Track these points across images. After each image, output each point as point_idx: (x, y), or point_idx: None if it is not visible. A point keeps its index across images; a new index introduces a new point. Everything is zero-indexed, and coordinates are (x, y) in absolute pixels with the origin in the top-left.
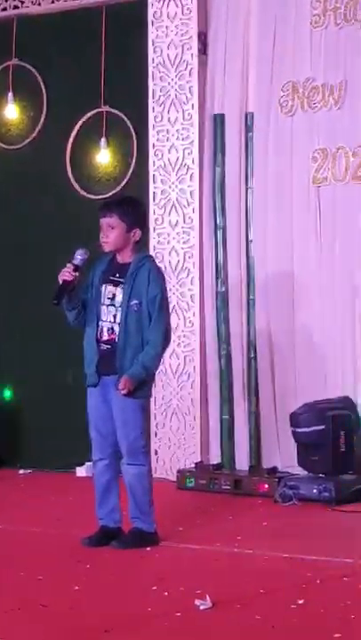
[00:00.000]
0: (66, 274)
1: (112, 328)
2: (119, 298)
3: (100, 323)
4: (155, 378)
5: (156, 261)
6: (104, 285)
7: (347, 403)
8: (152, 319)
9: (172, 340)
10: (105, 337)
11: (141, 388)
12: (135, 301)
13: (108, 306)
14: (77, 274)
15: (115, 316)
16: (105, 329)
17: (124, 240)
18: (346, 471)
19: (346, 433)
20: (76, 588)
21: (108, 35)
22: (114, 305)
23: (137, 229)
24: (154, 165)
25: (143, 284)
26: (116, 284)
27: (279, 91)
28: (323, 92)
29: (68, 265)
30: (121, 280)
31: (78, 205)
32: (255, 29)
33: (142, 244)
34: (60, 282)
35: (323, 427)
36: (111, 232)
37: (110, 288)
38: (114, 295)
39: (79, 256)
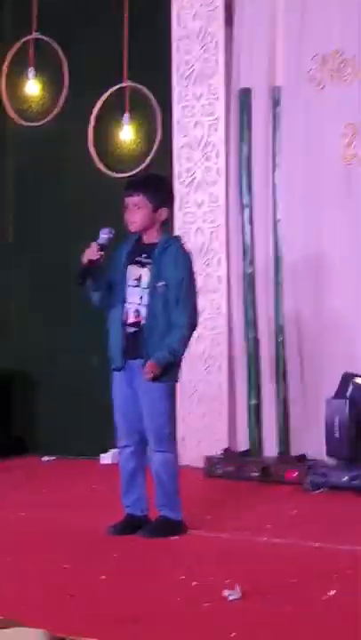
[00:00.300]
0: (90, 254)
1: (138, 310)
2: (145, 279)
3: (125, 305)
4: (181, 362)
5: (184, 241)
6: (130, 266)
7: None
8: (179, 302)
9: (199, 323)
10: (131, 319)
11: (168, 372)
12: (161, 283)
13: (133, 287)
14: (102, 253)
15: (141, 298)
16: (131, 311)
17: (150, 220)
18: None
19: None
20: (103, 577)
21: (131, 7)
22: (140, 286)
23: (164, 209)
24: (178, 142)
25: (170, 265)
26: (142, 265)
27: (308, 63)
28: (353, 64)
29: (93, 244)
30: (147, 261)
31: (101, 183)
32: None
33: (168, 223)
34: (85, 262)
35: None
36: (137, 212)
37: (136, 269)
38: (140, 276)
39: (104, 235)
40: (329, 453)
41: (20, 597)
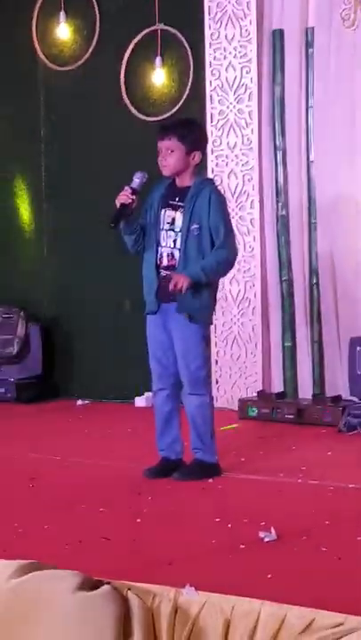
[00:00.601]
0: (123, 197)
1: (172, 253)
2: (179, 222)
3: (159, 248)
4: (215, 304)
5: (217, 184)
6: (163, 210)
7: None
8: (217, 244)
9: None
10: (165, 262)
11: (201, 314)
12: (195, 225)
13: (167, 231)
14: (135, 197)
15: (175, 241)
16: (165, 254)
17: (183, 163)
18: None
19: None
20: (138, 520)
21: None
22: (173, 230)
23: (197, 152)
24: (211, 85)
25: (203, 208)
26: (175, 209)
27: (341, 3)
28: None
29: (126, 188)
30: (180, 204)
31: (134, 127)
32: None
33: (202, 166)
34: (118, 205)
35: None
36: (170, 155)
37: (169, 212)
38: (173, 219)
39: (137, 179)
40: (353, 392)
41: (55, 540)
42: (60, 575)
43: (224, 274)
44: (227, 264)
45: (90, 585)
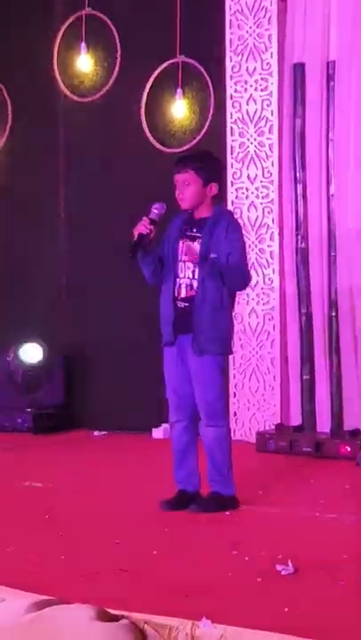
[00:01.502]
0: (141, 227)
1: (191, 285)
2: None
3: (177, 280)
4: (233, 335)
5: (234, 214)
6: (181, 241)
7: None
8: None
9: (251, 298)
10: (183, 294)
11: (220, 344)
12: (213, 255)
13: (185, 262)
14: (154, 227)
15: (193, 272)
16: (183, 286)
17: (200, 196)
18: None
19: None
20: (155, 552)
21: None
22: (192, 261)
23: (213, 184)
24: (232, 117)
25: (221, 237)
26: (193, 239)
27: None
28: None
29: (145, 218)
30: (198, 235)
31: (154, 159)
32: None
33: (220, 198)
34: (136, 235)
35: None
36: (187, 188)
37: (187, 243)
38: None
39: (155, 210)
40: None
41: (71, 572)
42: (78, 608)
43: (237, 282)
44: (242, 279)
45: (107, 618)
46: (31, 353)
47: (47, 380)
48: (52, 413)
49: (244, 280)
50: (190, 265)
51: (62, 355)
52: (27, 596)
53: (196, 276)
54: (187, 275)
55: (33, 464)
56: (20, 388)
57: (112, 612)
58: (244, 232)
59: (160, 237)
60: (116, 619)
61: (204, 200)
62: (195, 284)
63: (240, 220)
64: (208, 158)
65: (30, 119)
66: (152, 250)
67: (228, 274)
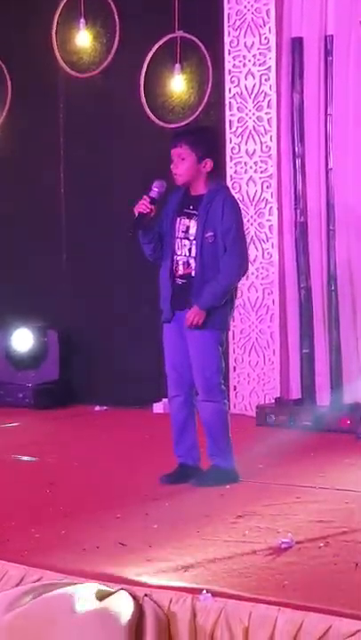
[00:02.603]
0: (142, 206)
1: (187, 262)
2: (193, 230)
3: (175, 257)
4: (233, 311)
5: (232, 191)
6: (178, 218)
7: None
8: (227, 250)
9: (250, 273)
10: (180, 271)
11: (217, 319)
12: (210, 233)
13: (182, 239)
14: (154, 206)
15: (190, 250)
16: (180, 263)
17: (195, 171)
18: None
19: None
20: (155, 526)
21: None
22: (188, 238)
23: (208, 160)
24: (230, 92)
25: (217, 214)
26: (189, 217)
27: (359, 11)
28: None
29: (145, 197)
30: (195, 212)
31: (153, 134)
32: None
33: (218, 174)
34: (136, 214)
35: None
36: (181, 163)
37: (184, 221)
38: (188, 228)
39: (155, 188)
40: None
41: (72, 546)
42: (69, 593)
43: (237, 282)
44: (237, 276)
45: (104, 593)
46: (22, 340)
47: (44, 357)
48: (53, 389)
49: (242, 272)
50: (187, 242)
51: (63, 330)
52: (27, 571)
53: (193, 254)
54: (183, 252)
55: (34, 439)
56: (16, 366)
57: (111, 585)
58: (242, 207)
59: (159, 213)
60: (113, 592)
61: (198, 176)
62: (191, 261)
63: (238, 195)
64: (204, 133)
65: (29, 95)
66: (152, 227)
67: (230, 291)
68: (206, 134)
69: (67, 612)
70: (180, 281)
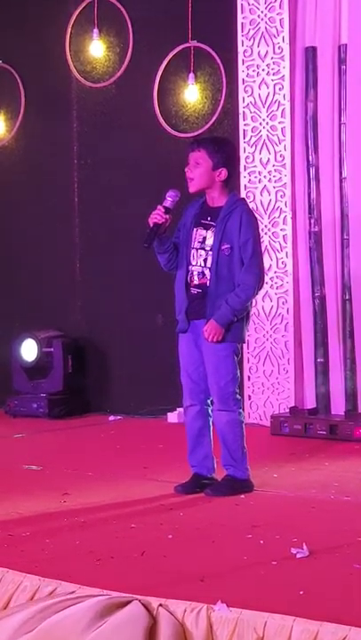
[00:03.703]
0: (156, 216)
1: (203, 272)
2: (210, 241)
3: (190, 267)
4: (249, 322)
5: (249, 204)
6: (195, 229)
7: None
8: (245, 263)
9: (265, 282)
10: (195, 281)
11: (234, 331)
12: (226, 245)
13: (198, 249)
14: (168, 216)
15: (205, 260)
16: (195, 273)
17: (208, 178)
18: None
19: None
20: (170, 536)
21: None
22: (204, 249)
23: (223, 169)
24: (244, 102)
25: (235, 227)
26: (206, 228)
27: None
28: None
29: (159, 207)
30: (212, 223)
31: (166, 144)
32: None
33: (233, 185)
34: (151, 224)
35: None
36: (196, 168)
37: (201, 231)
38: (204, 238)
39: (170, 198)
40: None
41: (87, 556)
42: (78, 612)
43: (254, 296)
44: (254, 290)
45: (117, 605)
46: (35, 350)
47: (59, 367)
48: (68, 398)
49: (258, 289)
50: (203, 253)
51: (77, 340)
52: (41, 582)
53: (208, 264)
54: (199, 262)
55: (48, 449)
56: (30, 376)
57: (125, 596)
58: (256, 216)
59: (175, 224)
60: (127, 603)
61: (213, 185)
62: (206, 271)
63: (252, 204)
64: (223, 144)
65: (43, 105)
66: (167, 238)
67: (245, 303)
68: (225, 145)
69: (77, 634)
70: (195, 290)
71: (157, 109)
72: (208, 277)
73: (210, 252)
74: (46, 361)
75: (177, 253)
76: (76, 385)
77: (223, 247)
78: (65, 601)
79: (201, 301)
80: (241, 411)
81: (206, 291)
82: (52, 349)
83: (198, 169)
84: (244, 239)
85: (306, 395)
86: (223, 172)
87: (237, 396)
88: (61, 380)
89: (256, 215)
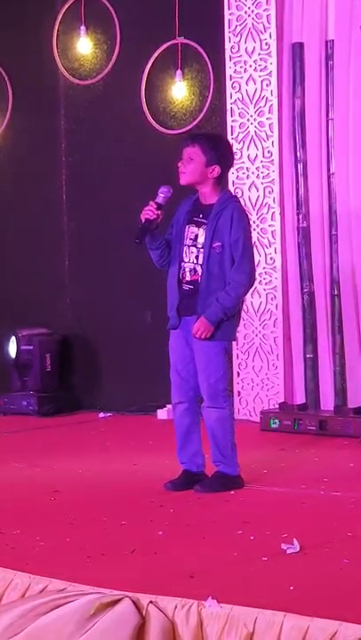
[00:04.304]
0: (148, 212)
1: (194, 269)
2: (201, 239)
3: (182, 264)
4: (239, 320)
5: (241, 202)
6: (187, 226)
7: None
8: (235, 261)
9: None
10: (187, 278)
11: (224, 329)
12: (218, 243)
13: (190, 246)
14: (160, 212)
15: (197, 257)
16: (187, 269)
17: (200, 174)
18: None
19: None
20: (160, 533)
21: None
22: (196, 246)
23: (216, 166)
24: (231, 98)
25: (226, 225)
26: (198, 225)
27: (360, 16)
28: None
29: (151, 203)
30: (204, 221)
31: (155, 141)
32: None
33: (225, 183)
34: (143, 220)
35: None
36: (189, 163)
37: (193, 229)
38: (196, 236)
39: (162, 194)
40: None
41: (77, 553)
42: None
43: (245, 295)
44: (245, 288)
45: (107, 604)
46: (24, 347)
47: (48, 364)
48: (57, 396)
49: (249, 287)
50: (194, 250)
51: (66, 337)
52: (32, 579)
53: (200, 261)
54: (191, 259)
55: (38, 446)
56: (19, 373)
57: (114, 592)
58: (247, 214)
59: (168, 220)
60: (117, 600)
61: (205, 181)
62: (198, 268)
63: (241, 200)
64: (218, 141)
65: (30, 103)
66: (159, 234)
67: (235, 301)
68: (220, 142)
69: (65, 638)
70: (186, 287)
71: (145, 106)
72: (199, 273)
73: (201, 250)
74: (27, 358)
75: (169, 250)
76: (65, 382)
77: (214, 245)
78: (54, 600)
79: (192, 298)
80: (231, 407)
81: (197, 287)
82: (31, 347)
83: (191, 164)
84: (236, 237)
85: (295, 390)
86: (216, 169)
87: (228, 393)
88: (39, 379)
89: (248, 215)
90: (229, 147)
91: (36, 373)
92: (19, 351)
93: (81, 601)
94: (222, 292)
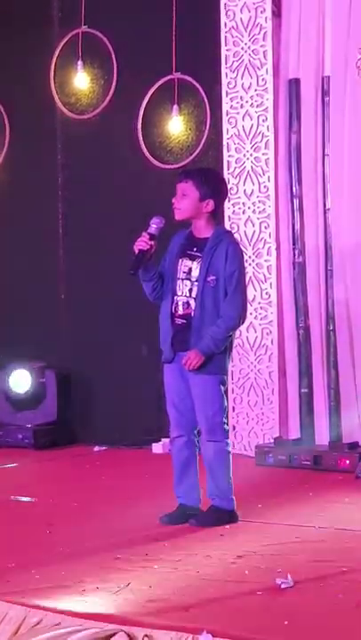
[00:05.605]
0: (141, 243)
1: (188, 302)
2: (195, 272)
3: (175, 297)
4: (231, 354)
5: (235, 237)
6: (180, 259)
7: None
8: (228, 295)
9: (248, 313)
10: (180, 311)
11: (217, 363)
12: (212, 277)
13: (183, 280)
14: (153, 242)
15: (190, 291)
16: (180, 303)
17: (194, 209)
18: None
19: None
20: (156, 566)
21: None
22: (190, 279)
23: (210, 200)
24: (228, 133)
25: (221, 259)
26: (192, 259)
27: (356, 52)
28: None
29: (144, 234)
30: (198, 254)
31: (151, 175)
32: None
33: (221, 217)
34: (136, 251)
35: None
36: (183, 199)
37: (186, 262)
38: (190, 269)
39: (154, 225)
40: None
41: (72, 587)
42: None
43: (236, 329)
44: (236, 322)
45: (103, 637)
46: (20, 381)
47: (43, 397)
48: (53, 429)
49: (241, 322)
50: (188, 283)
51: (61, 371)
52: (27, 613)
53: (194, 295)
54: (184, 292)
55: (34, 479)
56: (15, 407)
57: (110, 626)
58: (241, 247)
59: (161, 254)
60: (113, 634)
61: (199, 215)
62: (191, 301)
63: (236, 235)
64: (211, 176)
65: (28, 137)
66: (153, 265)
67: (226, 335)
68: (214, 177)
69: None
70: (179, 321)
71: (142, 141)
72: (193, 307)
73: (195, 283)
74: (39, 392)
75: (162, 283)
76: (62, 416)
77: (209, 279)
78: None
79: (186, 332)
80: (228, 441)
81: (191, 321)
82: (44, 380)
83: (185, 200)
84: (230, 271)
85: (290, 425)
86: (210, 204)
87: (225, 426)
88: (55, 411)
89: (242, 250)
90: (222, 180)
91: (49, 406)
92: (34, 383)
93: (78, 636)
94: (214, 325)
